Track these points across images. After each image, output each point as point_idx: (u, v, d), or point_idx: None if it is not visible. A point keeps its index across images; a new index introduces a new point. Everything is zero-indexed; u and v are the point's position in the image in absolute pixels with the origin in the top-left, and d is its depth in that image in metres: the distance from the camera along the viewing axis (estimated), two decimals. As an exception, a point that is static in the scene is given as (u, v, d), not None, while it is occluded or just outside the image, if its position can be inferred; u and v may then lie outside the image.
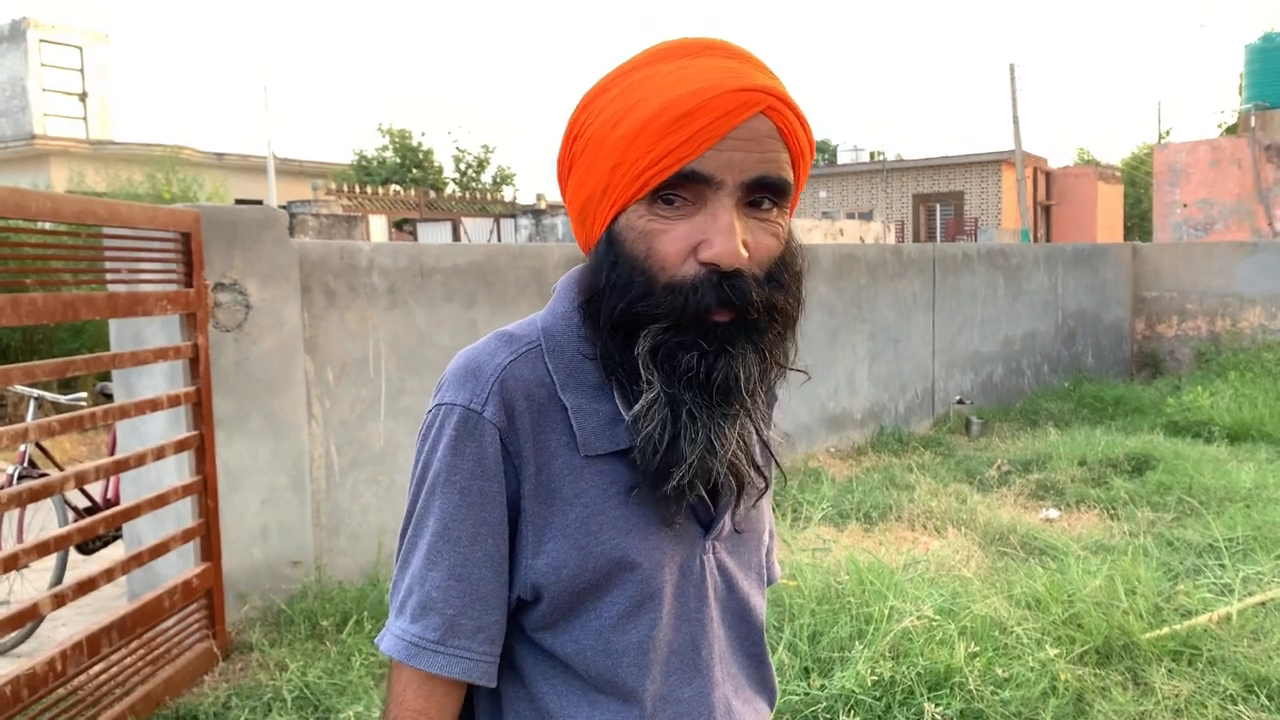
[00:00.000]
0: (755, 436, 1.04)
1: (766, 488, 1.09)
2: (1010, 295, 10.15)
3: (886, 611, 3.67)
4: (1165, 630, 3.79)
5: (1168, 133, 44.58)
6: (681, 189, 0.93)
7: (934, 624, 3.61)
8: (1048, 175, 33.28)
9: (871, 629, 3.59)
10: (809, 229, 16.91)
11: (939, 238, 28.02)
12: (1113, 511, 5.88)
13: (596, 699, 1.00)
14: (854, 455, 7.71)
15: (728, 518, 1.05)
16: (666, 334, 0.93)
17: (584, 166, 0.98)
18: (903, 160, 32.15)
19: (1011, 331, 10.18)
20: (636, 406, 0.95)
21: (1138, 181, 40.10)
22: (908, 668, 3.34)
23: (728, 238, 0.91)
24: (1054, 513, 5.96)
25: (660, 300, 0.93)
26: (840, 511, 5.74)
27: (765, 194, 0.95)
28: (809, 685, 3.31)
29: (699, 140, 0.91)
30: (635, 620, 0.99)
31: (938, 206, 30.18)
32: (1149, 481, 6.31)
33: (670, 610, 1.01)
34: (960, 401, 9.24)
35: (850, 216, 25.81)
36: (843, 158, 34.43)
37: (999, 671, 3.37)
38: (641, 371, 0.94)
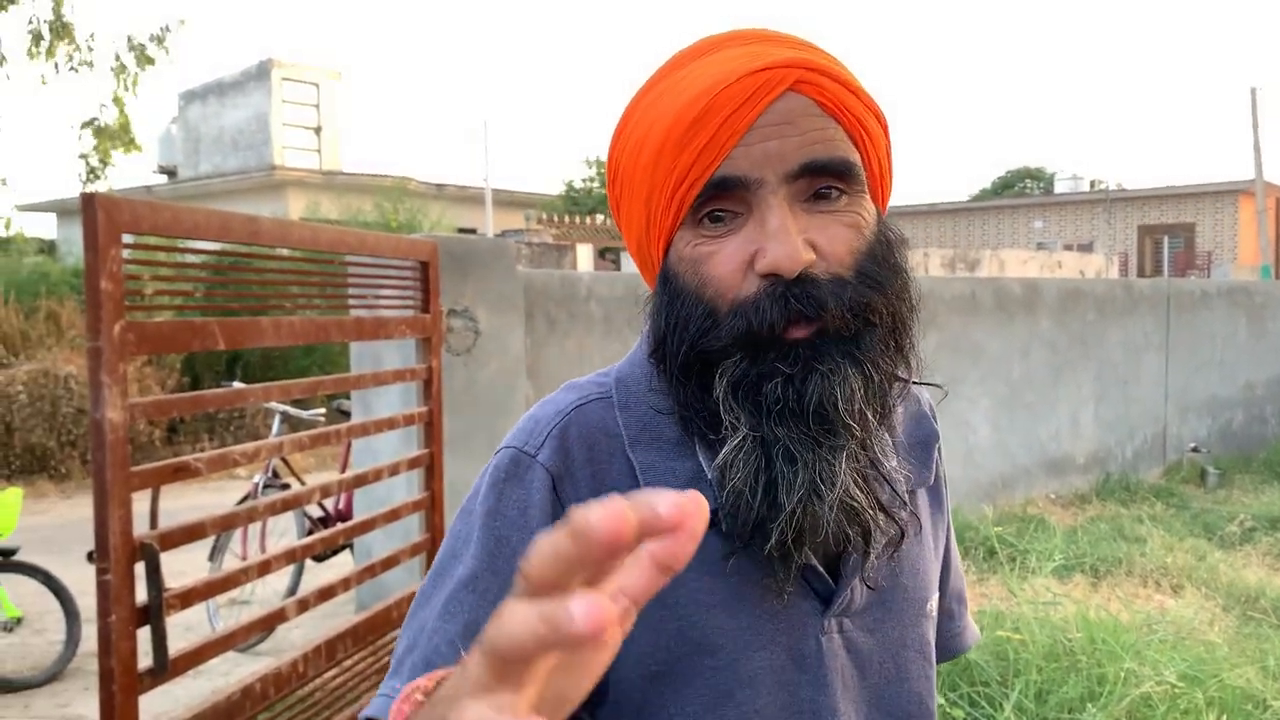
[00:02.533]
0: (881, 469, 0.85)
1: (902, 536, 0.87)
2: (1253, 336, 9.39)
3: (1122, 674, 3.43)
4: None
5: None
6: (722, 201, 0.80)
7: (1177, 691, 3.34)
8: (1292, 206, 30.71)
9: (1105, 691, 3.36)
10: (1024, 260, 16.21)
11: (1167, 272, 26.30)
12: (1380, 579, 5.31)
13: None
14: (1076, 502, 7.28)
15: (856, 585, 0.86)
16: (743, 365, 0.79)
17: (626, 205, 0.87)
18: (1126, 189, 30.42)
19: (1254, 375, 9.41)
20: (721, 455, 0.80)
21: (1398, 213, 36.44)
22: (1149, 737, 3.10)
23: (782, 240, 0.77)
24: (1309, 576, 5.44)
25: (727, 326, 0.79)
26: (1065, 563, 5.42)
27: (825, 180, 0.80)
28: (1038, 747, 3.12)
29: (722, 140, 0.78)
30: (723, 716, 0.82)
31: (1165, 239, 28.35)
32: None
33: (773, 704, 0.83)
34: (1195, 449, 8.60)
35: (1069, 248, 24.60)
36: (1060, 186, 32.92)
37: (1255, 750, 3.08)
38: (723, 415, 0.80)
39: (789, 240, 0.77)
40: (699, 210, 0.81)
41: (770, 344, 0.79)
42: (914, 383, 0.90)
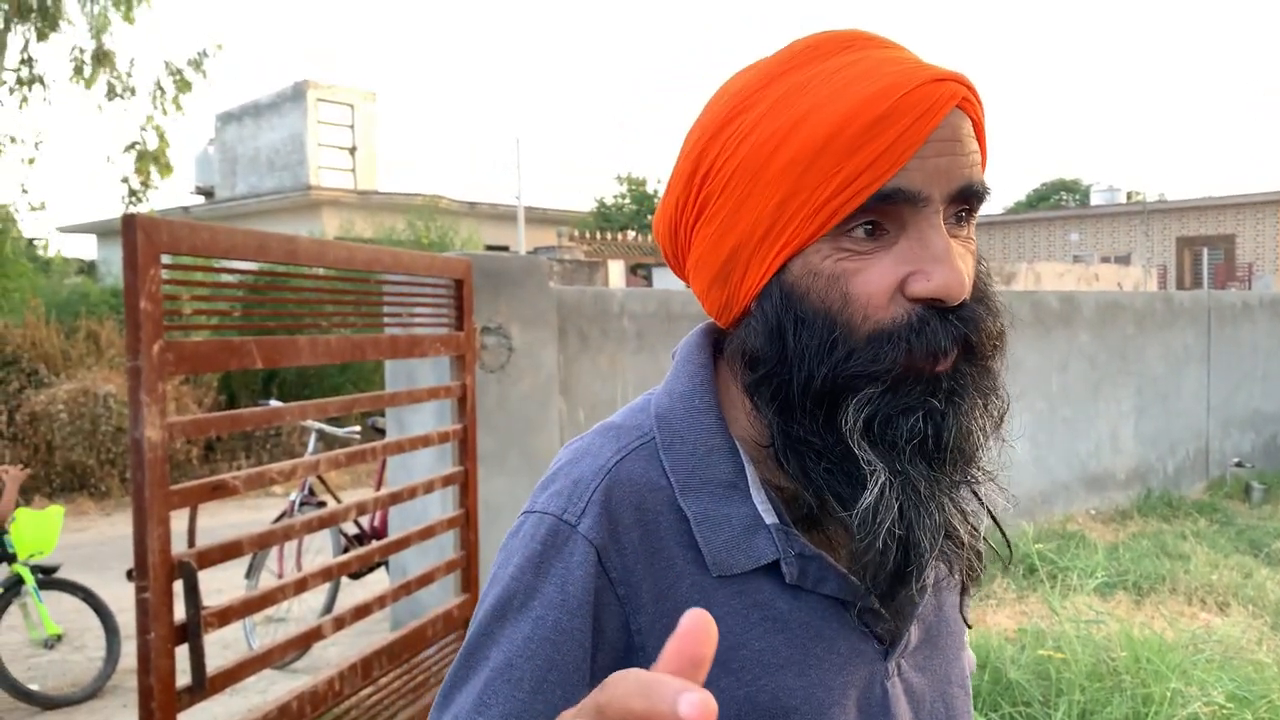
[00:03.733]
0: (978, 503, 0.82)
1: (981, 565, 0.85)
2: (1297, 349, 9.24)
3: (1169, 694, 3.36)
4: None
5: None
6: (879, 213, 0.73)
7: (1227, 712, 3.27)
8: (1334, 216, 30.24)
9: (1151, 711, 3.29)
10: (1060, 273, 16.05)
11: (1206, 285, 25.95)
12: None
13: None
14: (1117, 519, 7.18)
15: (914, 626, 0.83)
16: (884, 398, 0.73)
17: (725, 209, 0.77)
18: (1164, 201, 30.09)
19: (1299, 389, 9.25)
20: (863, 500, 0.73)
21: None
22: (1198, 759, 3.03)
23: (950, 266, 0.72)
24: (1359, 594, 5.31)
25: (871, 355, 0.73)
26: (1106, 580, 5.33)
27: (969, 205, 0.76)
28: (1082, 769, 3.06)
29: (901, 148, 0.71)
30: None
31: (1205, 251, 27.97)
32: None
33: None
34: (1239, 464, 8.45)
35: (1105, 260, 24.34)
36: (1096, 198, 32.59)
37: (1308, 773, 3.00)
38: (857, 454, 0.73)
39: (957, 266, 0.73)
40: (849, 221, 0.74)
41: (918, 374, 0.74)
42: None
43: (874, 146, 0.71)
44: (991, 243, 31.47)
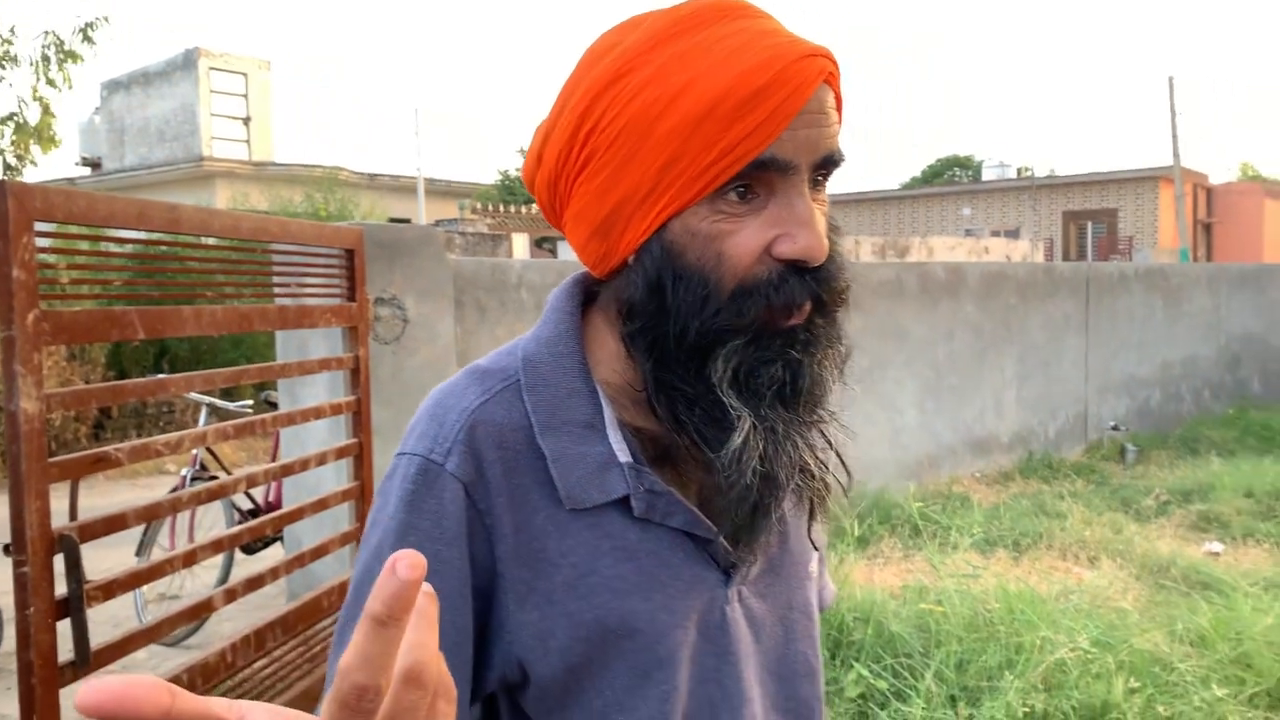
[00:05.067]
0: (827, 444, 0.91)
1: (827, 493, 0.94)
2: (1169, 318, 9.70)
3: (1039, 642, 3.55)
4: (1346, 675, 3.55)
5: (1344, 146, 41.94)
6: (753, 179, 0.79)
7: (1089, 656, 3.47)
8: (1209, 192, 31.65)
9: (1022, 659, 3.48)
10: (952, 247, 16.51)
11: (1090, 257, 26.94)
12: (1285, 547, 5.54)
13: None
14: (1000, 481, 7.48)
15: (752, 562, 0.90)
16: (748, 350, 0.80)
17: (610, 166, 0.81)
18: (1052, 176, 31.10)
19: (1170, 355, 9.72)
20: (732, 443, 0.80)
21: (1310, 198, 37.70)
22: (1061, 700, 3.22)
23: (812, 231, 0.79)
24: (1218, 546, 5.65)
25: (736, 309, 0.79)
26: (987, 538, 5.57)
27: (826, 171, 0.83)
28: (956, 714, 3.23)
29: (776, 121, 0.77)
30: (644, 696, 0.85)
31: (1089, 225, 29.04)
32: (1326, 516, 5.93)
33: (687, 676, 0.87)
34: (1115, 428, 8.86)
35: (996, 235, 25.08)
36: (988, 174, 33.50)
37: (1160, 710, 3.21)
38: (725, 401, 0.80)
39: (819, 230, 0.79)
40: (725, 186, 0.79)
41: (773, 329, 0.81)
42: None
43: (752, 118, 0.76)
44: (887, 217, 32.14)
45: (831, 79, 0.82)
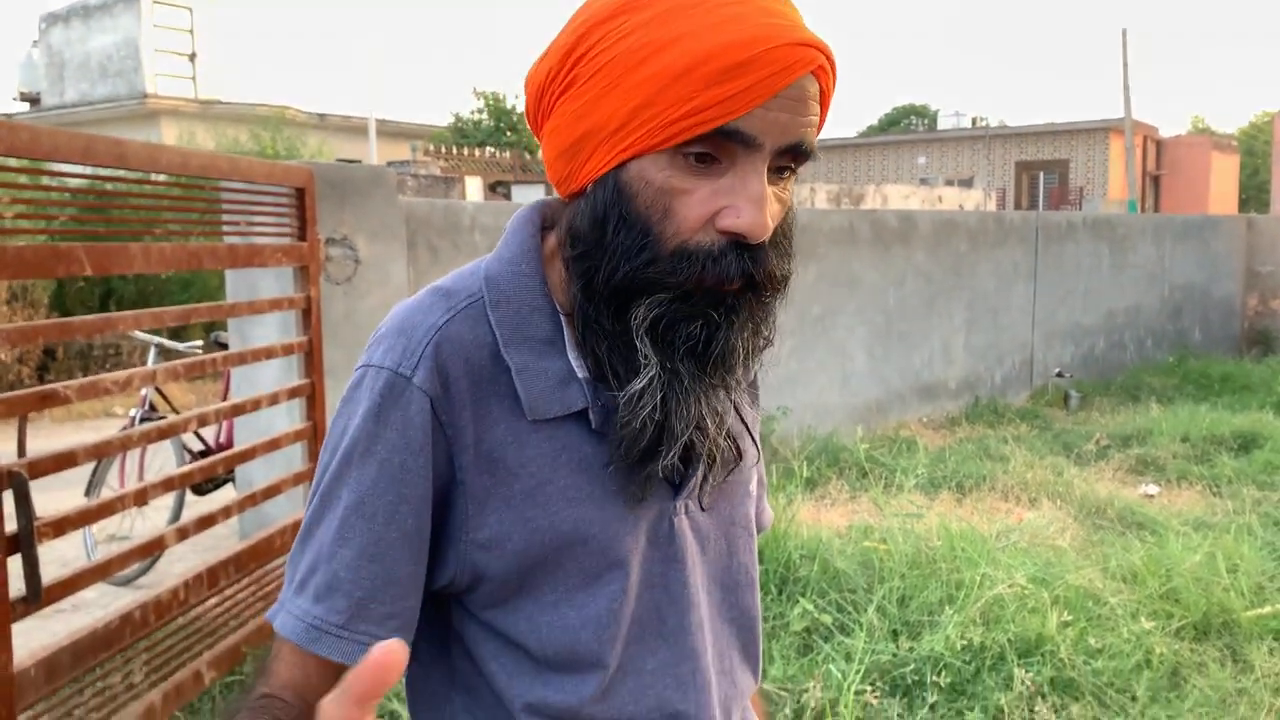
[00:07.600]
0: (732, 410, 0.96)
1: (739, 460, 0.99)
2: (1115, 267, 9.88)
3: (978, 578, 3.67)
4: (1268, 609, 3.71)
5: (1290, 100, 42.67)
6: (715, 145, 0.82)
7: (1026, 592, 3.59)
8: (1158, 144, 32.09)
9: (962, 595, 3.59)
10: (906, 195, 16.62)
11: (1042, 207, 27.24)
12: (1216, 489, 5.73)
13: (550, 678, 0.91)
14: (947, 425, 7.63)
15: (700, 476, 0.96)
16: (672, 305, 0.84)
17: (589, 94, 0.84)
18: (1006, 127, 31.30)
19: (1115, 304, 9.92)
20: (632, 386, 0.85)
21: (1256, 151, 38.40)
22: (998, 633, 3.34)
23: (759, 209, 0.82)
24: (1154, 488, 5.84)
25: (670, 267, 0.83)
26: (932, 480, 5.70)
27: (792, 161, 0.86)
28: (898, 647, 3.33)
29: (749, 96, 0.80)
30: (593, 595, 0.90)
31: (1041, 175, 29.33)
32: (1256, 460, 6.13)
33: (636, 580, 0.92)
34: (1059, 374, 9.06)
35: (950, 184, 25.25)
36: (943, 123, 33.67)
37: (1092, 642, 3.34)
38: (638, 345, 0.84)
39: (764, 211, 0.82)
40: (688, 144, 0.82)
41: (707, 293, 0.84)
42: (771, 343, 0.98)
43: (728, 87, 0.79)
44: (844, 165, 32.19)
45: (821, 73, 0.85)
